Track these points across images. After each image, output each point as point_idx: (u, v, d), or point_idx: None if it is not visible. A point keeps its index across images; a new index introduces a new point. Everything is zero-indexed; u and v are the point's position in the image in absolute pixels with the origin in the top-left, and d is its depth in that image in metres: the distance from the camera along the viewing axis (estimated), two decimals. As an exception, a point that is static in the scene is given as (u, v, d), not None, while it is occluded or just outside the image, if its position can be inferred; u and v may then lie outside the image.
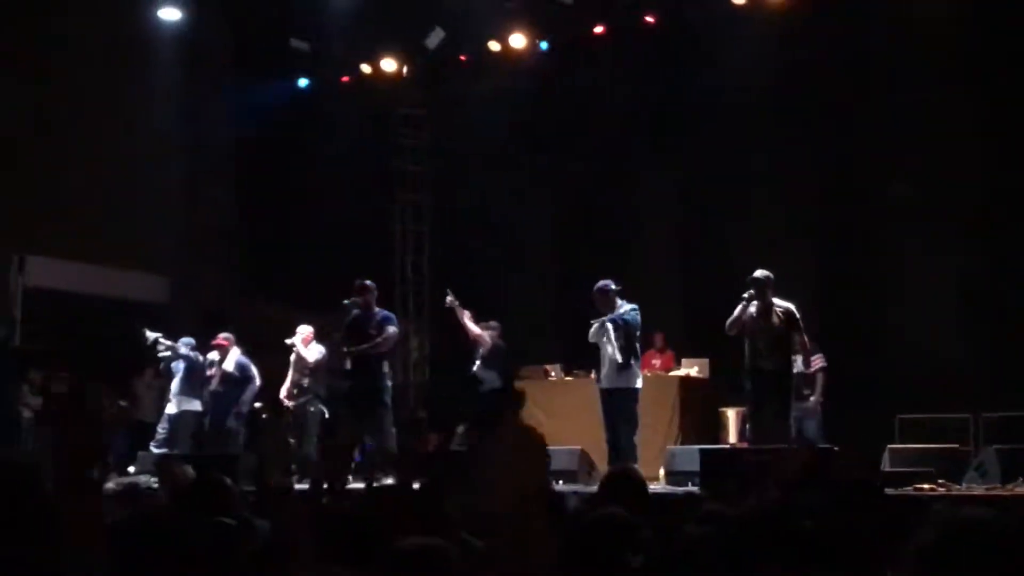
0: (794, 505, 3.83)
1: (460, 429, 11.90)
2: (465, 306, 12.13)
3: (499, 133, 15.43)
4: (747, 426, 10.21)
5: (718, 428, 12.50)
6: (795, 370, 10.43)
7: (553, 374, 13.32)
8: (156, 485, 7.60)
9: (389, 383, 11.34)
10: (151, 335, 12.80)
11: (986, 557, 2.17)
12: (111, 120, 14.83)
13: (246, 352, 12.62)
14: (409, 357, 16.82)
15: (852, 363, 12.34)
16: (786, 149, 14.07)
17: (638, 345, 10.57)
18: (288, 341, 12.17)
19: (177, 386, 12.68)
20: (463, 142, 16.28)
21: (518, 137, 15.67)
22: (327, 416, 12.22)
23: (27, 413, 13.66)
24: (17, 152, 13.88)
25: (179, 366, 12.74)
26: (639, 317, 10.41)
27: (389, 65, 16.28)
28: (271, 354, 12.50)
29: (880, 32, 13.62)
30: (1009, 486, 8.93)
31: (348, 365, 11.04)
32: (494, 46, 15.55)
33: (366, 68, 16.42)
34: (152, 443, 12.58)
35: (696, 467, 9.46)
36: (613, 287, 10.46)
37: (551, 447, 11.22)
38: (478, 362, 12.00)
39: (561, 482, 10.11)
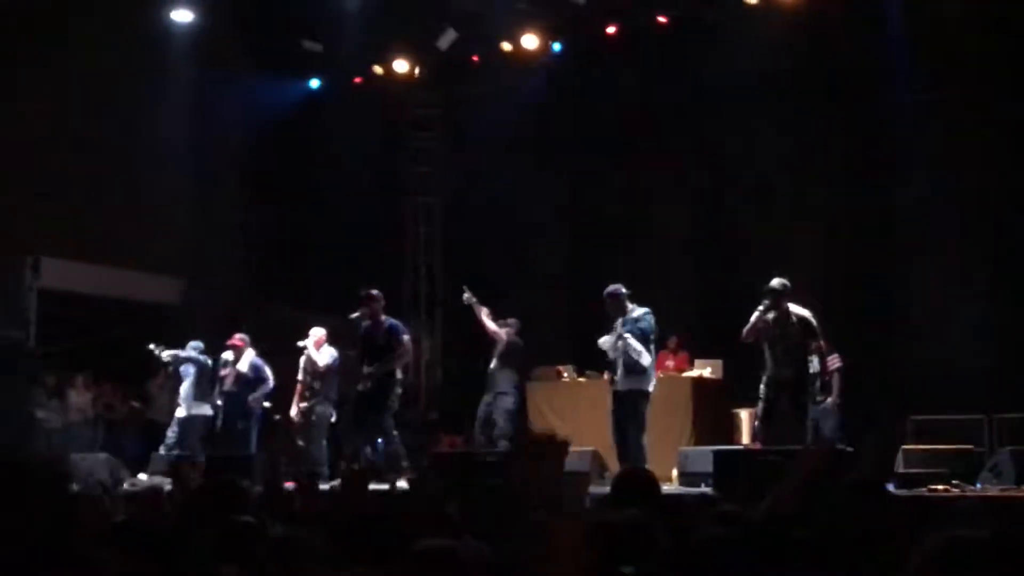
0: (807, 506, 3.82)
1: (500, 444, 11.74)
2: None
3: (511, 133, 15.44)
4: (760, 427, 10.17)
5: (731, 429, 12.49)
6: (811, 371, 10.40)
7: (565, 375, 13.32)
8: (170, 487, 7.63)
9: (399, 389, 11.37)
10: (155, 349, 12.93)
11: None
12: (125, 122, 14.85)
13: (260, 353, 12.65)
14: (421, 358, 16.83)
15: (866, 364, 12.32)
16: (800, 149, 14.06)
17: (652, 348, 10.56)
18: (300, 344, 12.17)
19: (187, 390, 12.74)
20: (475, 143, 16.29)
21: (530, 137, 15.67)
22: (335, 420, 12.22)
23: (41, 414, 13.73)
24: (31, 154, 13.92)
25: (189, 370, 12.78)
26: (653, 320, 10.40)
27: (401, 66, 16.29)
28: (285, 356, 12.50)
29: (894, 29, 13.58)
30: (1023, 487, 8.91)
31: (369, 385, 11.12)
32: (506, 47, 15.54)
33: (378, 69, 16.43)
34: (162, 446, 12.63)
35: (709, 468, 9.42)
36: (624, 291, 10.47)
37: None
38: (494, 360, 12.01)
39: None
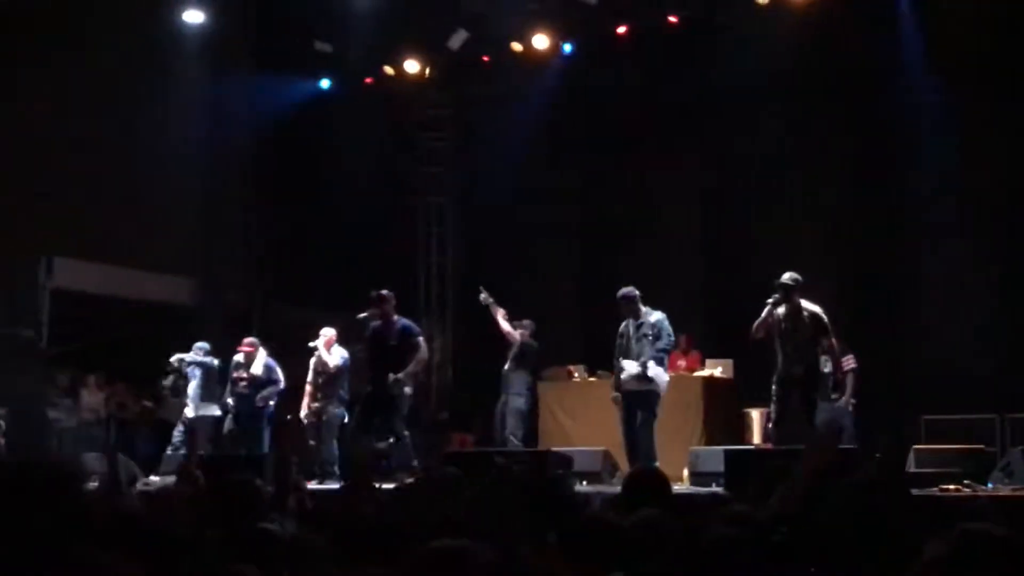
0: (818, 505, 3.82)
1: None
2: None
3: (522, 134, 15.44)
4: (773, 431, 10.14)
5: (742, 428, 12.48)
6: (824, 370, 10.39)
7: (576, 375, 13.32)
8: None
9: (408, 390, 11.40)
10: (174, 361, 12.98)
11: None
12: (135, 122, 14.88)
13: (272, 353, 12.67)
14: (432, 358, 16.84)
15: (878, 364, 12.29)
16: (808, 149, 14.05)
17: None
18: (311, 344, 12.17)
19: (194, 391, 12.76)
20: (486, 143, 16.30)
21: (541, 138, 15.68)
22: (346, 421, 12.23)
23: (54, 414, 13.78)
24: (42, 154, 13.96)
25: (195, 371, 12.82)
26: (670, 326, 10.43)
27: (412, 67, 16.28)
28: (295, 356, 12.52)
29: (902, 29, 13.55)
30: (1035, 487, 8.90)
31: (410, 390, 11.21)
32: (517, 47, 15.54)
33: (389, 70, 16.43)
34: (169, 447, 12.67)
35: (720, 468, 9.42)
36: (638, 294, 10.49)
37: (574, 448, 11.33)
38: (508, 362, 12.02)
39: (585, 483, 10.12)
